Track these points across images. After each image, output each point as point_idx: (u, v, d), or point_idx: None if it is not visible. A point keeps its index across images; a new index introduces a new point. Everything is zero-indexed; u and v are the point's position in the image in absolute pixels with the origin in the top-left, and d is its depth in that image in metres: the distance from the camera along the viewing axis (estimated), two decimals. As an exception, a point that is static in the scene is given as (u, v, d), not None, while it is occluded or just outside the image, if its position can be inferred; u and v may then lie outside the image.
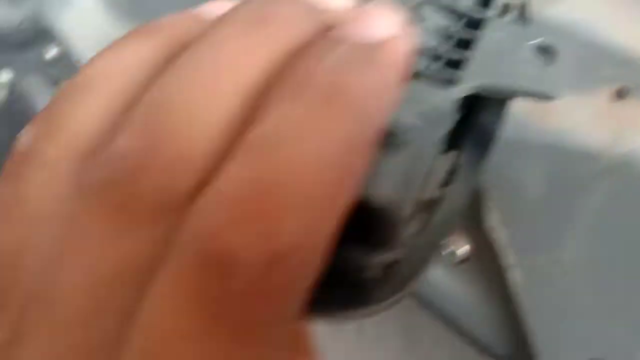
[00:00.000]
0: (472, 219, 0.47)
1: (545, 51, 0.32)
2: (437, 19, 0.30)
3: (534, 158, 0.41)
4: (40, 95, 0.70)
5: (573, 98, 0.39)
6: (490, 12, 0.31)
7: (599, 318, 0.43)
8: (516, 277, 0.46)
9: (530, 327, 0.46)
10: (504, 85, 0.29)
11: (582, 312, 0.44)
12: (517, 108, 0.41)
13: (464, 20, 0.31)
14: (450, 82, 0.27)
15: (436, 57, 0.28)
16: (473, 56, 0.28)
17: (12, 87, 0.71)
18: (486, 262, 0.48)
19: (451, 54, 0.28)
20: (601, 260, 0.41)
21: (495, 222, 0.45)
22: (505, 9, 0.33)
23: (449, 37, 0.30)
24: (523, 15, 0.34)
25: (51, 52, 0.71)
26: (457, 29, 0.30)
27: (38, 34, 0.71)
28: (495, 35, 0.30)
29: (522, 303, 0.46)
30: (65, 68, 0.71)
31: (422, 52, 0.26)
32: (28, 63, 0.74)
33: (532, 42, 0.31)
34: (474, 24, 0.30)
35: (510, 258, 0.45)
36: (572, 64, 0.38)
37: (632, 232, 0.41)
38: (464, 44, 0.29)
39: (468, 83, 0.27)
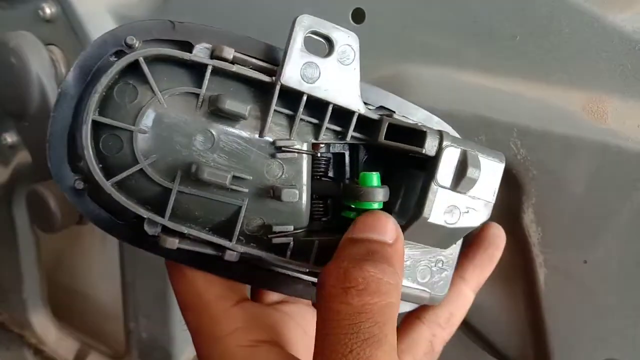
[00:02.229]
0: (507, 218, 0.47)
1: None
2: None
3: (582, 155, 0.42)
4: (32, 53, 0.65)
5: (628, 104, 0.40)
6: None
7: (621, 318, 0.45)
8: (541, 274, 0.47)
9: (548, 325, 0.47)
10: None
11: (604, 311, 0.45)
12: (574, 105, 0.43)
13: None
14: None
15: None
16: None
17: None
18: (511, 260, 0.48)
19: None
20: (631, 262, 0.43)
21: (528, 221, 0.45)
22: None
23: None
24: None
25: (48, 10, 0.66)
26: None
27: (35, -11, 0.66)
28: None
29: (544, 300, 0.47)
30: (61, 29, 0.67)
31: None
32: (20, 19, 0.69)
33: None
34: None
35: (539, 256, 0.46)
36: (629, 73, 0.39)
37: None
38: None
39: None
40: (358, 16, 0.48)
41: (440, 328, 0.44)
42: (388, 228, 0.34)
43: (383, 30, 0.48)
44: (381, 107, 0.39)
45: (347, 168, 0.40)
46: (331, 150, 0.40)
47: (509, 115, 0.44)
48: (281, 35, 0.39)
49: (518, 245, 0.47)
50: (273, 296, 0.44)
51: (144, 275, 0.71)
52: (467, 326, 0.51)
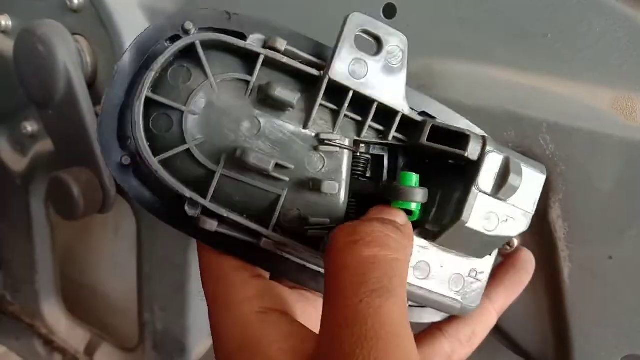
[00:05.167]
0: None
1: None
2: None
3: (610, 151, 0.42)
4: (59, 42, 0.65)
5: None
6: None
7: (643, 316, 0.45)
8: (566, 269, 0.47)
9: (570, 320, 0.48)
10: None
11: (627, 308, 0.46)
12: (603, 102, 0.43)
13: None
14: None
15: None
16: None
17: (25, 33, 0.67)
18: (536, 255, 0.49)
19: None
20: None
21: (555, 216, 0.46)
22: None
23: None
24: None
25: (75, 0, 0.67)
26: None
27: (64, -21, 0.67)
28: None
29: (567, 295, 0.47)
30: (87, 19, 0.67)
31: None
32: (47, 8, 0.70)
33: None
34: None
35: (564, 251, 0.47)
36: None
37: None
38: None
39: None
40: (390, 11, 0.49)
41: (461, 345, 0.44)
42: (399, 214, 0.35)
43: (414, 26, 0.49)
44: (424, 113, 0.39)
45: (385, 171, 0.41)
46: (371, 151, 0.40)
47: (539, 111, 0.44)
48: (314, 32, 0.40)
49: (543, 240, 0.47)
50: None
51: (162, 266, 0.71)
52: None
